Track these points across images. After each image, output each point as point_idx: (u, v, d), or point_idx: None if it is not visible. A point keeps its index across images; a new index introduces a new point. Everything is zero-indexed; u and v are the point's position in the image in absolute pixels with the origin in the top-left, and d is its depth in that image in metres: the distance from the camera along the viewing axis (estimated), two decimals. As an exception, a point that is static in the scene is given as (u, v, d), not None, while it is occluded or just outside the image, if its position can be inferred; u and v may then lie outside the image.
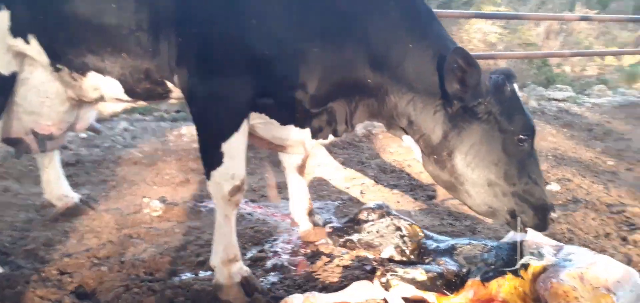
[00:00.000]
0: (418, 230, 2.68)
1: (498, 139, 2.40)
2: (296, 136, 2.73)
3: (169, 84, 2.71)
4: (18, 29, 2.68)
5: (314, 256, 3.06)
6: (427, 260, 2.62)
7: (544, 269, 2.37)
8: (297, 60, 2.46)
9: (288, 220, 3.55)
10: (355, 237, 2.69)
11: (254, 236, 3.32)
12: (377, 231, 2.68)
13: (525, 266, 2.37)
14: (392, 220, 2.68)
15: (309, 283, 2.75)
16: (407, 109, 2.51)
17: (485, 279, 2.41)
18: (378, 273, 2.49)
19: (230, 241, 2.69)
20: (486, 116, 2.39)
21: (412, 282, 2.45)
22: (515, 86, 2.47)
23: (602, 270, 2.29)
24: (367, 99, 2.59)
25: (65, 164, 4.41)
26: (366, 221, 2.71)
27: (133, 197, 4.10)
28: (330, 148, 5.37)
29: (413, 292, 2.46)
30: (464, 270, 2.49)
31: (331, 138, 2.77)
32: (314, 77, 2.47)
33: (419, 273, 2.46)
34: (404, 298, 2.46)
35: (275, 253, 3.13)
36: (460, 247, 2.61)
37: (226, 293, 2.60)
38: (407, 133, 2.63)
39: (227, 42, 2.46)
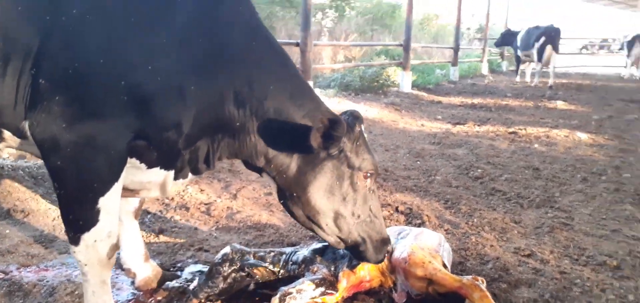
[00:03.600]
0: (263, 270, 2.93)
1: (347, 176, 2.61)
2: (159, 178, 2.50)
3: (6, 134, 2.10)
4: None
5: (178, 301, 2.86)
6: (302, 271, 2.92)
7: (392, 249, 3.04)
8: (177, 97, 2.27)
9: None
10: (213, 290, 2.81)
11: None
12: (232, 279, 2.86)
13: (379, 249, 2.98)
14: (240, 267, 2.88)
15: (198, 326, 2.62)
16: (266, 148, 2.52)
17: (353, 267, 2.90)
18: (275, 301, 2.63)
19: (112, 309, 2.31)
20: (338, 154, 2.56)
21: (306, 295, 2.71)
22: (363, 126, 2.72)
23: (427, 238, 3.12)
24: (229, 138, 2.52)
25: None
26: (220, 275, 2.84)
27: None
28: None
29: (307, 301, 2.73)
30: (332, 268, 2.91)
31: (190, 177, 2.66)
32: (190, 116, 2.30)
33: (307, 286, 2.75)
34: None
35: (128, 311, 2.77)
36: (318, 252, 3.01)
37: None
38: (265, 171, 2.64)
39: (108, 78, 2.07)
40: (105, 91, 2.08)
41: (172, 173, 2.48)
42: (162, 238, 3.78)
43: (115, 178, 2.19)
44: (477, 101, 13.05)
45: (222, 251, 2.89)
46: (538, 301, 2.89)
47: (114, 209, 2.24)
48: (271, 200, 4.72)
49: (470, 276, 2.83)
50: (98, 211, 2.17)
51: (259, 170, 2.64)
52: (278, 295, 2.66)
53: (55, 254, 3.44)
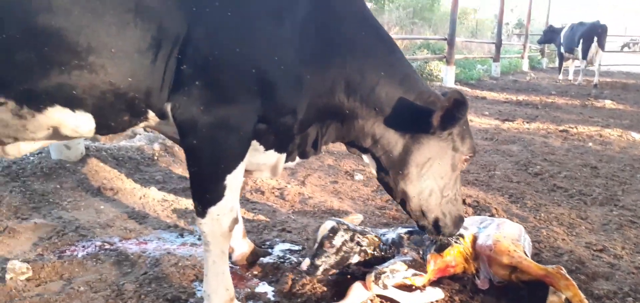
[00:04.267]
0: (375, 237, 3.07)
1: (450, 157, 2.72)
2: (272, 160, 2.69)
3: (151, 114, 2.30)
4: None
5: (274, 276, 3.06)
6: (392, 253, 3.08)
7: (475, 236, 3.17)
8: (294, 85, 2.43)
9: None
10: (328, 263, 2.87)
11: (185, 274, 3.01)
12: (344, 251, 2.93)
13: (462, 236, 3.12)
14: (351, 235, 2.97)
15: (297, 300, 2.81)
16: (373, 130, 2.66)
17: (440, 250, 3.04)
18: (371, 278, 2.80)
19: (229, 278, 2.52)
20: (446, 135, 2.68)
21: (399, 275, 2.87)
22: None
23: (509, 228, 3.24)
24: (337, 123, 2.69)
25: None
26: (331, 247, 2.92)
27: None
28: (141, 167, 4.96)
29: (399, 281, 2.89)
30: (420, 252, 3.06)
31: (298, 160, 2.84)
32: (304, 103, 2.47)
33: (399, 266, 2.91)
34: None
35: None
36: (404, 236, 3.16)
37: (242, 333, 2.45)
38: (370, 151, 2.77)
39: (242, 66, 2.26)
40: (239, 78, 2.27)
41: (284, 155, 2.68)
42: (247, 218, 3.99)
43: (242, 157, 2.39)
44: (521, 97, 12.96)
45: (329, 225, 2.97)
46: (618, 294, 2.99)
47: (237, 186, 2.44)
48: (338, 188, 4.90)
49: (554, 265, 2.94)
50: (224, 188, 2.36)
51: (364, 150, 2.79)
52: (373, 273, 2.83)
53: (150, 229, 3.69)
